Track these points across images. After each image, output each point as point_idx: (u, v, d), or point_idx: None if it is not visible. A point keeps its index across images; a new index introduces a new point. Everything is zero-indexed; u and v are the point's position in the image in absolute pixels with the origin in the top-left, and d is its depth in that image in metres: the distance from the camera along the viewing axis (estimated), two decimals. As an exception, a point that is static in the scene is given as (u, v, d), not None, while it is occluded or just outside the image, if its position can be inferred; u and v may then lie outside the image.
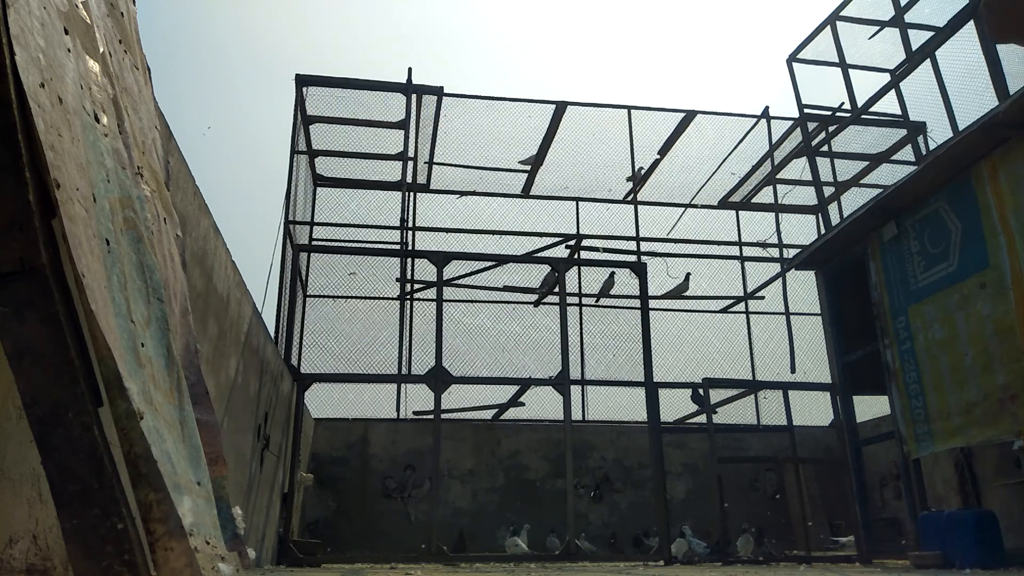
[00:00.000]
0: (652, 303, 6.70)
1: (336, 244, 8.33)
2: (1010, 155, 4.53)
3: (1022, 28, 2.17)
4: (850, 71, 7.02)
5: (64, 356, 1.17)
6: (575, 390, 8.12)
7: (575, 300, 8.78)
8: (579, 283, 8.90)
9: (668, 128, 8.29)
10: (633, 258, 8.34)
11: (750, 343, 8.87)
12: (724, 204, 9.32)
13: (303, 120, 7.39)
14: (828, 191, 7.43)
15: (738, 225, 9.26)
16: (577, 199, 9.14)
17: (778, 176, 8.72)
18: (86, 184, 1.39)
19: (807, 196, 8.91)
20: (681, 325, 8.83)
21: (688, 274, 8.67)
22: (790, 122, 8.21)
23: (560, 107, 7.77)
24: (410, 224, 8.22)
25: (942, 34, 5.82)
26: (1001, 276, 4.52)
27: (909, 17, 6.47)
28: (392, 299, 8.01)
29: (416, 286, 8.08)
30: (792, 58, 7.46)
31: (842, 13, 7.06)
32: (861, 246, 5.94)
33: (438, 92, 7.30)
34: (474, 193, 8.93)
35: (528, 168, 8.57)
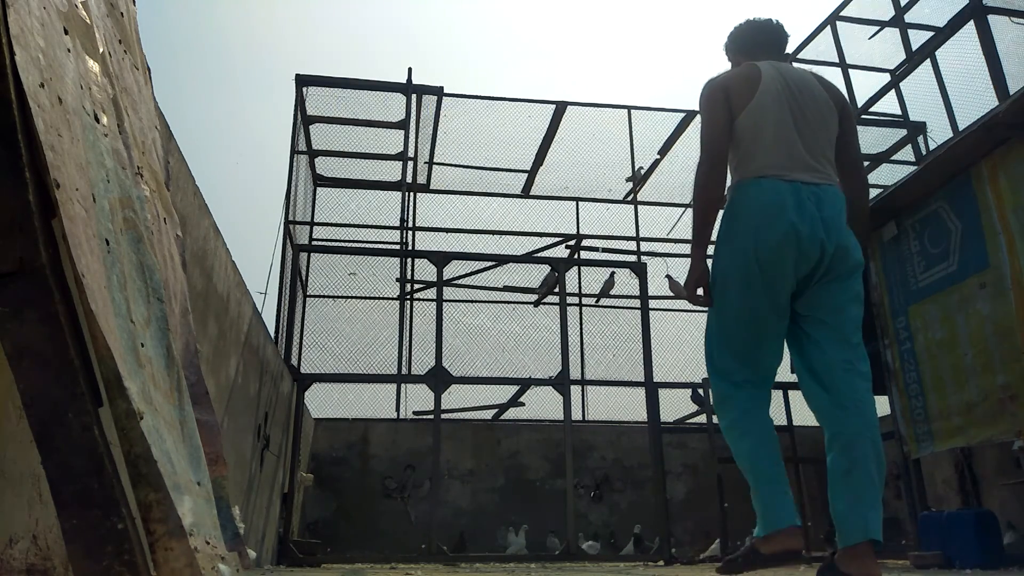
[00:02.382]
0: (652, 303, 6.70)
1: (336, 244, 8.33)
2: (1010, 155, 4.53)
3: None
4: (850, 71, 7.01)
5: (64, 356, 1.17)
6: (575, 390, 8.12)
7: (575, 300, 8.78)
8: (579, 283, 8.90)
9: (668, 128, 8.29)
10: (633, 258, 8.34)
11: (750, 343, 8.86)
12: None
13: (303, 120, 7.39)
14: (828, 191, 7.42)
15: (738, 225, 9.26)
16: (577, 199, 9.14)
17: (778, 176, 8.71)
18: (86, 184, 1.39)
19: (807, 196, 8.90)
20: (681, 325, 8.82)
21: (668, 275, 8.57)
22: (790, 122, 8.20)
23: (560, 107, 7.77)
24: (410, 224, 8.22)
25: (942, 34, 5.82)
26: (1001, 276, 4.52)
27: (909, 17, 6.47)
28: (392, 299, 8.01)
29: (416, 286, 8.08)
30: (792, 58, 7.46)
31: (842, 13, 7.06)
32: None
33: (438, 92, 7.30)
34: (474, 193, 8.93)
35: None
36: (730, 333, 2.35)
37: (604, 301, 8.81)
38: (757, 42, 2.62)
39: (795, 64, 7.54)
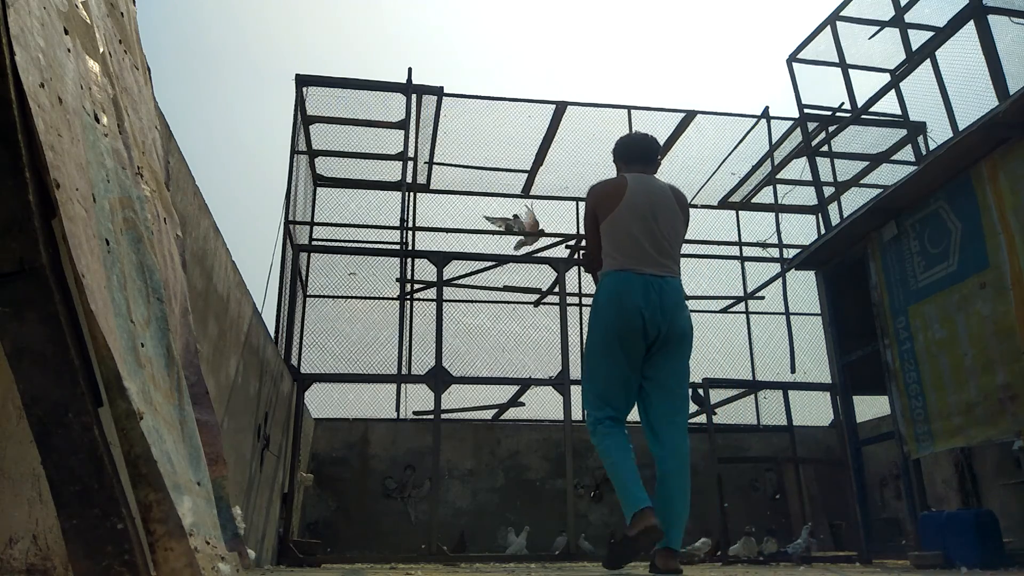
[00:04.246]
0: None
1: (336, 244, 8.33)
2: (1010, 155, 4.53)
3: None
4: (850, 71, 7.01)
5: (64, 356, 1.17)
6: (575, 390, 8.11)
7: (575, 300, 8.77)
8: (579, 283, 8.90)
9: (668, 128, 8.28)
10: (633, 258, 8.32)
11: (750, 343, 8.86)
12: (724, 204, 9.32)
13: (303, 120, 7.39)
14: (828, 191, 7.43)
15: (738, 225, 9.26)
16: (577, 199, 9.13)
17: (778, 176, 8.72)
18: (86, 184, 1.39)
19: (807, 196, 8.91)
20: (681, 325, 8.80)
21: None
22: (790, 122, 8.21)
23: (560, 107, 7.76)
24: (410, 224, 8.21)
25: (942, 34, 5.82)
26: (1001, 276, 4.52)
27: (909, 17, 6.47)
28: (392, 299, 8.00)
29: (416, 286, 8.08)
30: (792, 58, 7.45)
31: (842, 13, 7.05)
32: (861, 246, 5.94)
33: (438, 92, 7.30)
34: (474, 193, 8.92)
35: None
36: (599, 383, 3.12)
37: (604, 301, 8.81)
38: (633, 154, 3.46)
39: (795, 64, 7.55)
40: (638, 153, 3.46)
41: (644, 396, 3.17)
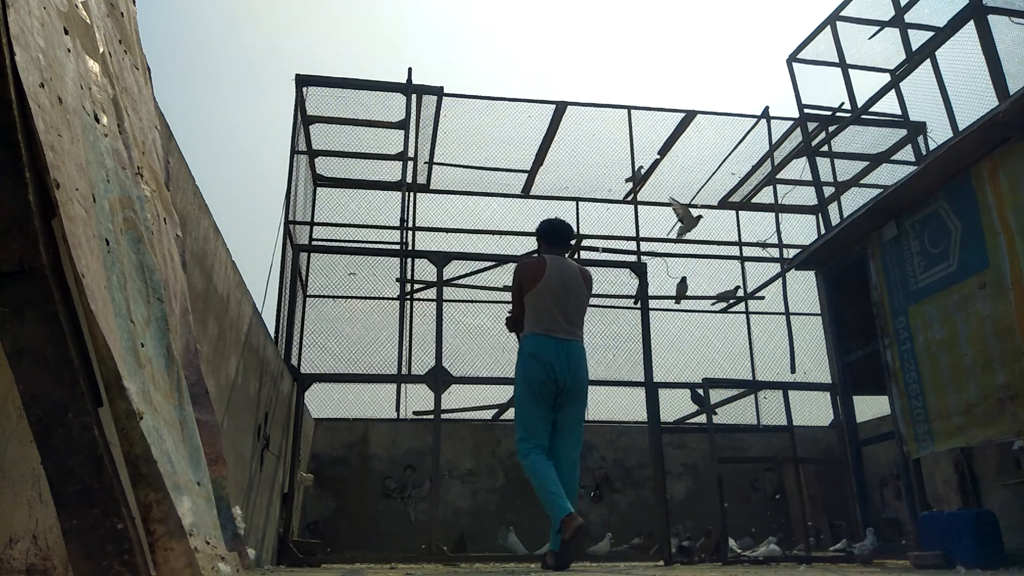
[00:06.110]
0: (652, 303, 6.69)
1: (336, 244, 8.33)
2: (1010, 155, 4.53)
3: None
4: (850, 71, 7.01)
5: (64, 356, 1.17)
6: (575, 390, 8.09)
7: (575, 300, 8.75)
8: (578, 283, 8.88)
9: (668, 128, 8.28)
10: (633, 258, 8.33)
11: (750, 343, 8.86)
12: (724, 204, 9.32)
13: (303, 120, 7.39)
14: (828, 191, 7.42)
15: (738, 225, 9.26)
16: (577, 199, 9.13)
17: (778, 176, 8.72)
18: (86, 184, 1.39)
19: (807, 196, 8.91)
20: (681, 325, 8.81)
21: (684, 277, 8.66)
22: (790, 122, 8.21)
23: (560, 107, 7.76)
24: (410, 224, 8.21)
25: (942, 34, 5.82)
26: (1001, 276, 4.52)
27: (909, 17, 6.47)
28: (392, 299, 8.00)
29: (416, 286, 8.07)
30: (792, 58, 7.46)
31: (842, 13, 7.06)
32: (861, 246, 5.94)
33: (438, 92, 7.29)
34: (474, 193, 8.92)
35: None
36: (526, 420, 3.97)
37: (604, 301, 8.81)
38: (552, 237, 4.27)
39: (795, 64, 7.55)
40: (557, 238, 4.26)
41: (552, 434, 4.04)
